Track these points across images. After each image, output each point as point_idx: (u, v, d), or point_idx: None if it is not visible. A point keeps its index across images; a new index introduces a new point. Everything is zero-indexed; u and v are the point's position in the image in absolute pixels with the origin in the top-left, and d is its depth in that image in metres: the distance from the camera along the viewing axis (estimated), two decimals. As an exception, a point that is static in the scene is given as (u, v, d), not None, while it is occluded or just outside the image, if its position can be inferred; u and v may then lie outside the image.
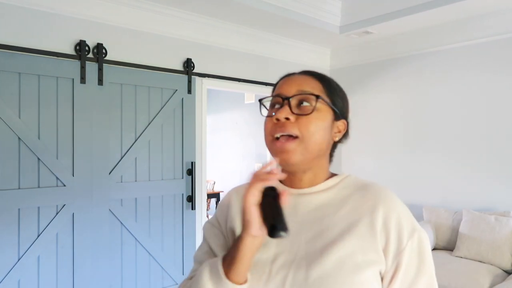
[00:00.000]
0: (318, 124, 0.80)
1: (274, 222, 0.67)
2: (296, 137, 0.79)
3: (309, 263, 0.76)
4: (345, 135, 0.88)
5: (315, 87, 0.83)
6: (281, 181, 0.89)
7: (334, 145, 0.89)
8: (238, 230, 0.85)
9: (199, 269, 0.80)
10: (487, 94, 3.43)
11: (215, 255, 0.87)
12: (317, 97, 0.80)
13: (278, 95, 0.83)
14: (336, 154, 0.92)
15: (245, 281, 0.75)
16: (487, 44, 3.42)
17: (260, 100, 0.88)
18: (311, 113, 0.79)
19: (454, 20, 3.55)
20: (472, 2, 3.13)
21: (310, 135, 0.79)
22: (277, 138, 0.80)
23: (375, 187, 0.83)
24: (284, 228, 0.67)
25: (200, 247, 0.93)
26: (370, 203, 0.80)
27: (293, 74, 0.88)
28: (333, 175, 0.89)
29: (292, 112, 0.79)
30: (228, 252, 0.77)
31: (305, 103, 0.81)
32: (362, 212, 0.79)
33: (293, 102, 0.81)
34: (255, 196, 0.72)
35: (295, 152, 0.79)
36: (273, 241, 0.81)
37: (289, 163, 0.80)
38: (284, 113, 0.79)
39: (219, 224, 0.92)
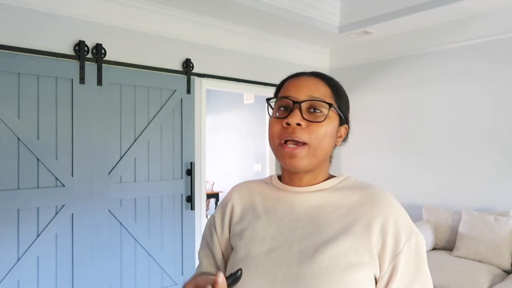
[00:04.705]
0: (327, 131, 0.81)
1: None
2: (304, 143, 0.79)
3: (301, 260, 0.77)
4: (345, 139, 0.90)
5: (325, 93, 0.83)
6: (279, 179, 0.92)
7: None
8: (246, 226, 0.87)
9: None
10: (487, 94, 3.43)
11: (213, 256, 0.92)
12: (330, 105, 0.81)
13: (287, 97, 0.82)
14: (336, 154, 0.93)
15: None
16: (487, 44, 3.42)
17: (268, 100, 0.87)
18: (323, 121, 0.80)
19: (454, 20, 3.55)
20: (472, 2, 3.13)
21: (318, 142, 0.80)
22: (285, 142, 0.80)
23: (374, 189, 0.83)
24: None
25: (202, 246, 0.97)
26: (368, 205, 0.80)
27: (301, 74, 0.87)
28: (331, 176, 0.89)
29: (303, 118, 0.79)
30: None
31: (316, 110, 0.81)
32: (359, 213, 0.79)
33: (304, 107, 0.81)
34: None
35: (303, 158, 0.80)
36: (268, 236, 0.83)
37: (297, 168, 0.81)
38: (296, 118, 0.79)
39: (214, 221, 0.94)
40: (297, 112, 0.79)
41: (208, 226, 0.96)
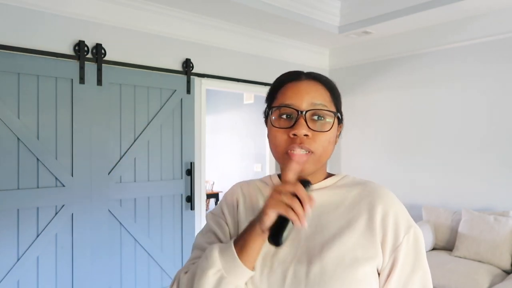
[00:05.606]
0: (331, 138, 0.83)
1: (274, 233, 0.71)
2: (310, 151, 0.80)
3: (310, 258, 0.78)
4: (338, 136, 0.91)
5: (326, 97, 0.83)
6: (279, 178, 0.91)
7: None
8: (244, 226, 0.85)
9: (206, 250, 0.80)
10: (487, 94, 3.43)
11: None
12: (335, 113, 0.82)
13: (289, 106, 0.81)
14: (336, 154, 0.93)
15: (253, 268, 0.77)
16: (487, 44, 3.42)
17: (270, 108, 0.85)
18: (329, 130, 0.81)
19: (454, 20, 3.55)
20: (472, 2, 3.13)
21: (323, 149, 0.81)
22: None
23: (372, 185, 0.86)
24: (279, 241, 0.71)
25: (202, 235, 0.92)
26: (368, 201, 0.82)
27: (299, 77, 0.85)
28: (330, 174, 0.91)
29: (309, 128, 0.79)
30: (241, 236, 0.77)
31: (319, 118, 0.81)
32: (360, 209, 0.81)
33: (307, 115, 0.80)
34: (278, 210, 0.71)
35: (310, 164, 0.81)
36: None
37: (302, 173, 0.81)
38: (304, 129, 0.79)
39: (223, 215, 0.92)
40: (302, 122, 0.79)
41: (215, 219, 0.92)
